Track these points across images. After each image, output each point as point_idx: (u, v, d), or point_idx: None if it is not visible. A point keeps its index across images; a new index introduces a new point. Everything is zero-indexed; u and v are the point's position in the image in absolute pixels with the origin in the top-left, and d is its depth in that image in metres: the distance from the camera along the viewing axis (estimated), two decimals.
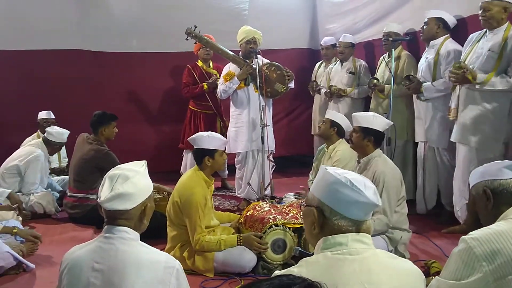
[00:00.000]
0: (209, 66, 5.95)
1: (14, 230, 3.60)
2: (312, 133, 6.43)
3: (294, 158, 7.17)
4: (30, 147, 4.84)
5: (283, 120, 6.90)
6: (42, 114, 5.69)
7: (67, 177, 5.23)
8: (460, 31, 4.34)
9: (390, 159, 4.51)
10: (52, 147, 4.99)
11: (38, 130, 5.69)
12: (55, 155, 5.68)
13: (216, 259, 3.43)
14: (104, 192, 1.83)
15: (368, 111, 4.97)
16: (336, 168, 1.59)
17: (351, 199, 1.49)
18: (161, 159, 6.45)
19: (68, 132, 5.11)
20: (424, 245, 4.00)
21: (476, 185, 2.01)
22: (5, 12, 6.04)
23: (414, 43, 4.85)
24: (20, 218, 4.09)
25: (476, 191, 2.00)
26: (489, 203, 1.93)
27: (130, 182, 1.83)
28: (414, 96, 4.59)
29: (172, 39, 6.23)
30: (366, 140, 3.58)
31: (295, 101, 6.90)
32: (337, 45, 5.73)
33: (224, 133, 5.25)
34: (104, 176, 1.89)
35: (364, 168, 3.63)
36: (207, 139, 3.56)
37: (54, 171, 5.60)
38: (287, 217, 3.64)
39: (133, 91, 6.58)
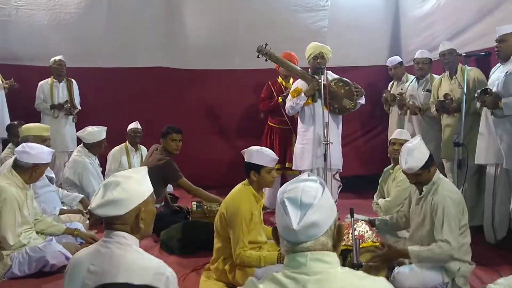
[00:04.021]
0: (289, 82, 5.98)
1: (75, 232, 3.89)
2: None
3: (371, 178, 6.89)
4: (75, 157, 5.09)
5: (360, 139, 6.73)
6: (131, 125, 6.08)
7: None
8: None
9: (462, 183, 4.20)
10: (91, 148, 5.17)
11: (127, 141, 6.08)
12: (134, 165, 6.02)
13: (256, 275, 3.37)
14: (96, 199, 1.89)
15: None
16: (295, 183, 1.51)
17: (281, 221, 1.46)
18: (237, 174, 6.54)
19: (104, 128, 5.25)
20: (492, 280, 3.58)
21: None
22: (101, 35, 6.62)
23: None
24: (87, 222, 4.39)
25: None
26: None
27: (120, 188, 1.87)
28: (484, 112, 4.23)
29: (253, 56, 6.33)
30: (430, 171, 3.34)
31: (373, 119, 6.71)
32: (414, 62, 5.44)
33: None
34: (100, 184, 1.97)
35: (426, 195, 3.38)
36: (255, 153, 3.56)
37: None
38: None
39: (212, 107, 6.83)
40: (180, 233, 4.31)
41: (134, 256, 1.89)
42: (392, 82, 6.18)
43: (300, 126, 5.12)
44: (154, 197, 2.06)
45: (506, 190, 4.16)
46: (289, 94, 5.09)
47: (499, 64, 4.18)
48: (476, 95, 4.20)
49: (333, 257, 1.44)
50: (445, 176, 4.65)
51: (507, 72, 4.03)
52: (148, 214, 1.98)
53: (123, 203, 1.87)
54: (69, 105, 6.06)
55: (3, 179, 3.50)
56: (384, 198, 4.54)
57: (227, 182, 6.52)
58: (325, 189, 1.46)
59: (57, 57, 6.13)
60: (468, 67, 4.36)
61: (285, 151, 5.76)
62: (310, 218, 1.40)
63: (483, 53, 4.21)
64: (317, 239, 1.42)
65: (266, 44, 5.10)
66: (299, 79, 5.10)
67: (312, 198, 1.42)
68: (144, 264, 1.86)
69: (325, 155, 4.59)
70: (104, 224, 1.95)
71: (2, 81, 5.80)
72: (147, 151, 6.11)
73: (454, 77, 4.65)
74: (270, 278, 1.45)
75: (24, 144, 3.61)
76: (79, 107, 6.35)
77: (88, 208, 1.97)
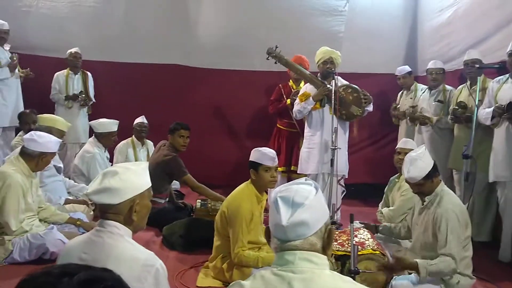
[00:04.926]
0: (299, 85, 5.97)
1: (77, 222, 3.93)
2: None
3: (379, 186, 6.85)
4: (86, 146, 5.18)
5: (370, 147, 6.69)
6: (137, 120, 6.12)
7: None
8: None
9: (469, 196, 4.13)
10: (101, 139, 5.25)
11: (133, 135, 6.12)
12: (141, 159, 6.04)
13: None
14: (93, 185, 1.91)
15: None
16: (290, 185, 1.54)
17: (272, 219, 1.49)
18: (243, 174, 6.54)
19: (116, 121, 5.35)
20: None
21: None
22: (118, 30, 6.66)
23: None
24: (91, 213, 4.42)
25: None
26: None
27: (118, 177, 1.88)
28: (504, 128, 4.14)
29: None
30: (434, 181, 3.27)
31: (384, 128, 6.64)
32: (428, 72, 5.38)
33: None
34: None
35: (429, 206, 3.31)
36: (255, 151, 3.60)
37: None
38: (334, 243, 3.48)
39: (223, 106, 6.83)
40: (183, 229, 4.32)
41: (125, 246, 1.89)
42: (401, 91, 6.14)
43: (307, 130, 5.11)
44: (151, 192, 2.06)
45: None
46: (297, 98, 5.08)
47: (506, 76, 4.11)
48: (497, 110, 4.08)
49: (322, 259, 1.46)
50: (454, 188, 4.60)
51: None
52: (142, 207, 1.98)
53: (118, 192, 1.88)
54: (83, 95, 6.13)
55: (10, 165, 3.55)
56: (389, 207, 4.51)
57: (233, 182, 6.54)
58: (318, 192, 1.49)
59: (73, 49, 6.20)
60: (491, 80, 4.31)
61: (291, 153, 5.75)
62: (299, 216, 1.43)
63: (497, 65, 4.14)
64: (306, 239, 1.45)
65: (276, 47, 5.10)
66: (308, 83, 5.09)
67: (304, 198, 1.45)
68: (134, 255, 1.86)
69: (332, 161, 4.57)
70: (99, 213, 1.97)
71: (19, 70, 5.89)
72: (154, 146, 6.19)
73: (473, 88, 4.59)
74: (257, 276, 1.47)
75: (32, 132, 3.66)
76: (94, 100, 6.42)
77: (85, 193, 2.00)
